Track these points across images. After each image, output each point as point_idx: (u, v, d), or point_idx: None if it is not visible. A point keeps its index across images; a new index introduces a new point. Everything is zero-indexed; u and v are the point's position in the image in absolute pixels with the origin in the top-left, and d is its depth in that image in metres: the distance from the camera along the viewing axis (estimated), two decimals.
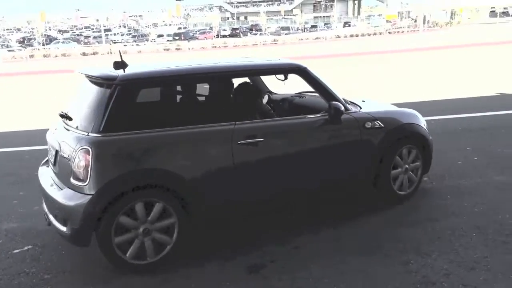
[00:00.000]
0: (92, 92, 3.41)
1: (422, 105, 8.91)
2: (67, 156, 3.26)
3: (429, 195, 4.60)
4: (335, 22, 67.70)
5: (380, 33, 46.54)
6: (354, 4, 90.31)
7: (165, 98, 3.94)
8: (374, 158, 4.06)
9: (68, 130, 3.43)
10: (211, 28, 60.55)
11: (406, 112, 4.53)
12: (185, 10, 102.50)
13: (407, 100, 9.26)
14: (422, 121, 4.50)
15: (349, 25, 62.84)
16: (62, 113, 3.58)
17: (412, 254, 3.45)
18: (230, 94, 3.94)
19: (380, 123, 4.05)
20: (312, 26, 60.93)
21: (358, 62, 19.73)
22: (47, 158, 3.94)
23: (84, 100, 3.48)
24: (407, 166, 4.28)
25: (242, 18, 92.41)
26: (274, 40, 40.29)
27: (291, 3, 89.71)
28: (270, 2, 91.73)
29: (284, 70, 4.12)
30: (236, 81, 4.16)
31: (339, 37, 43.39)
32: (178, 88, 4.06)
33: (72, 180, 3.18)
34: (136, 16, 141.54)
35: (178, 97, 4.06)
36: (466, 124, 7.57)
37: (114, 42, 43.45)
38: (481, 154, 5.85)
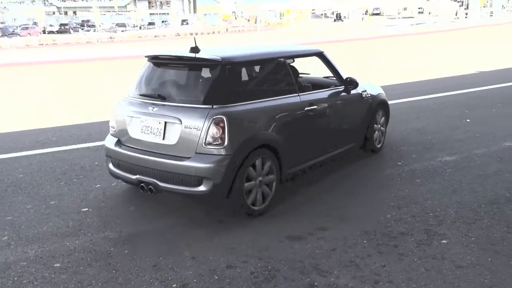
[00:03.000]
0: (197, 73, 4.16)
1: None
2: (192, 127, 3.80)
3: (310, 202, 4.44)
4: (175, 19, 66.98)
5: (219, 32, 47.44)
6: (189, 1, 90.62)
7: (253, 76, 4.63)
8: (366, 117, 5.57)
9: (177, 106, 3.93)
10: (35, 23, 54.30)
11: (374, 85, 6.08)
12: (1, 2, 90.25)
13: None
14: (383, 92, 6.05)
15: (187, 23, 62.87)
16: (154, 94, 4.13)
17: (314, 275, 3.17)
18: (290, 73, 4.63)
19: (369, 93, 5.61)
20: (150, 23, 59.20)
21: None
22: (114, 139, 4.37)
23: (185, 80, 4.22)
24: (379, 125, 5.87)
25: (70, 13, 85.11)
26: (111, 38, 37.90)
27: None
28: None
29: (311, 54, 5.20)
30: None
31: (179, 35, 42.88)
32: (259, 68, 4.70)
33: (205, 146, 3.78)
34: None
35: (262, 74, 4.64)
36: None
37: None
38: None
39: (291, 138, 4.31)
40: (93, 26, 53.05)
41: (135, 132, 4.15)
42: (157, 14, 78.69)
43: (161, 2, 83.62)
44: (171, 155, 3.89)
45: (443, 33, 35.50)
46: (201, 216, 4.15)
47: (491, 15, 54.29)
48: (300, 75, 5.41)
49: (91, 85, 14.17)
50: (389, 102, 6.19)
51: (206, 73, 4.10)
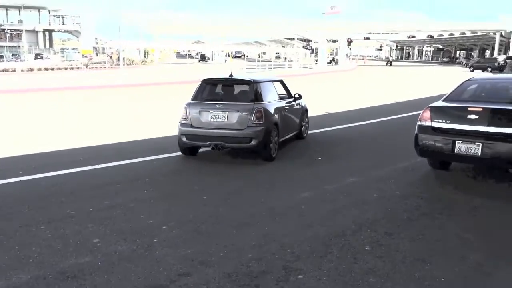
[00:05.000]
0: (241, 87, 8.13)
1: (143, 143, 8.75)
2: (244, 114, 7.45)
3: (173, 247, 4.34)
4: (26, 53, 61.90)
5: (78, 68, 45.04)
6: (44, 35, 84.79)
7: (264, 89, 8.31)
8: (299, 121, 9.54)
9: (234, 103, 7.76)
10: None
11: (302, 101, 9.87)
12: None
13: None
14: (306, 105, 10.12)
15: (41, 57, 58.65)
16: (217, 98, 7.97)
17: None
18: (276, 89, 8.93)
19: (301, 105, 9.68)
20: None
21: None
22: (187, 125, 7.73)
23: (234, 91, 8.20)
24: (305, 123, 9.94)
25: None
26: None
27: None
28: None
29: (278, 80, 9.50)
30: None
31: (31, 69, 39.63)
32: (265, 85, 8.60)
33: (252, 123, 7.43)
34: None
35: (267, 89, 8.53)
36: (188, 161, 7.79)
37: None
38: (210, 192, 6.03)
39: (280, 121, 8.25)
40: None
41: (206, 119, 7.61)
42: (6, 46, 71.90)
43: (11, 34, 76.71)
44: (233, 129, 7.48)
45: (306, 76, 38.76)
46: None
47: (337, 63, 61.18)
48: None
49: None
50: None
51: (244, 87, 8.10)
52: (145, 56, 68.87)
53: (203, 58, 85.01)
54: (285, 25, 70.05)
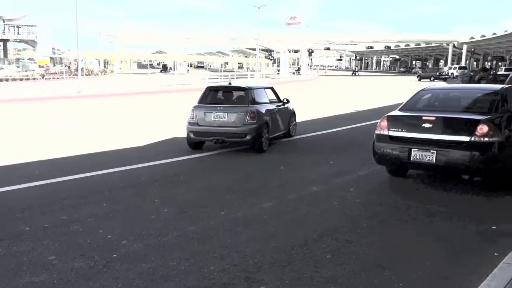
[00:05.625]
0: (238, 93, 9.79)
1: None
2: (242, 114, 9.13)
3: (130, 262, 4.24)
4: None
5: (34, 78, 43.62)
6: None
7: (257, 94, 10.15)
8: (288, 121, 11.11)
9: (233, 106, 9.48)
10: None
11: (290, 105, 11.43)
12: None
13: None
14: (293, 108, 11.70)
15: None
16: (219, 101, 9.66)
17: None
18: (266, 94, 10.65)
19: (290, 107, 11.32)
20: None
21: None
22: (194, 123, 9.39)
23: (233, 96, 9.90)
24: (293, 123, 11.62)
25: None
26: None
27: None
28: None
29: (269, 87, 11.11)
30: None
31: None
32: (259, 91, 10.49)
33: (246, 122, 9.10)
34: None
35: (260, 94, 10.33)
36: (147, 173, 7.68)
37: None
38: (171, 205, 5.96)
39: (270, 121, 9.80)
40: None
41: (210, 119, 9.20)
42: None
43: None
44: (234, 126, 9.09)
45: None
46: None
47: (299, 73, 62.02)
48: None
49: None
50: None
51: (241, 93, 9.71)
52: (105, 66, 67.48)
53: (164, 68, 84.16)
54: (247, 36, 70.53)
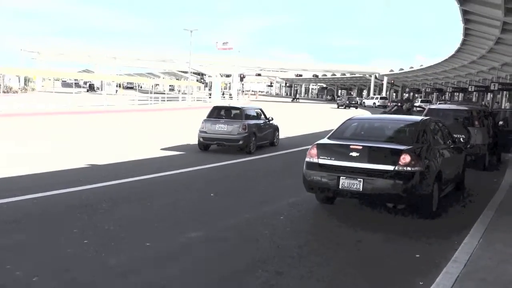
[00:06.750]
0: (235, 111, 14.09)
1: None
2: (237, 126, 13.13)
3: None
4: None
5: None
6: None
7: (252, 113, 14.83)
8: (273, 134, 15.22)
9: (232, 120, 13.61)
10: None
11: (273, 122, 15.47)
12: None
13: None
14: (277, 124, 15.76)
15: None
16: (221, 117, 13.85)
17: None
18: (259, 113, 15.24)
19: (274, 123, 15.43)
20: None
21: None
22: (204, 131, 13.37)
23: (231, 113, 14.04)
24: (276, 136, 15.65)
25: None
26: None
27: None
28: None
29: (259, 108, 15.52)
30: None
31: None
32: (252, 111, 15.11)
33: (240, 131, 13.03)
34: None
35: (252, 113, 14.97)
36: (67, 200, 7.11)
37: None
38: (91, 235, 5.52)
39: (258, 132, 13.64)
40: None
41: (215, 129, 13.18)
42: None
43: None
44: (231, 134, 13.05)
45: (200, 109, 38.74)
46: None
47: (231, 97, 62.60)
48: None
49: None
50: None
51: (237, 111, 13.90)
52: (25, 84, 63.68)
53: (91, 88, 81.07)
54: (178, 58, 70.12)
